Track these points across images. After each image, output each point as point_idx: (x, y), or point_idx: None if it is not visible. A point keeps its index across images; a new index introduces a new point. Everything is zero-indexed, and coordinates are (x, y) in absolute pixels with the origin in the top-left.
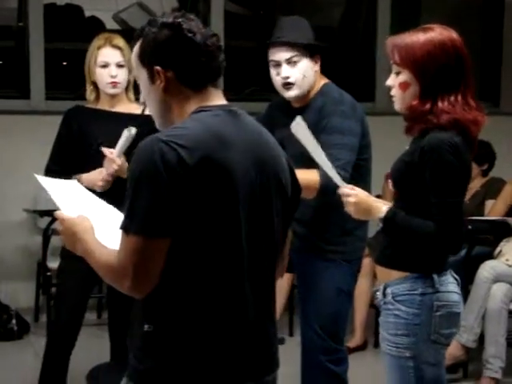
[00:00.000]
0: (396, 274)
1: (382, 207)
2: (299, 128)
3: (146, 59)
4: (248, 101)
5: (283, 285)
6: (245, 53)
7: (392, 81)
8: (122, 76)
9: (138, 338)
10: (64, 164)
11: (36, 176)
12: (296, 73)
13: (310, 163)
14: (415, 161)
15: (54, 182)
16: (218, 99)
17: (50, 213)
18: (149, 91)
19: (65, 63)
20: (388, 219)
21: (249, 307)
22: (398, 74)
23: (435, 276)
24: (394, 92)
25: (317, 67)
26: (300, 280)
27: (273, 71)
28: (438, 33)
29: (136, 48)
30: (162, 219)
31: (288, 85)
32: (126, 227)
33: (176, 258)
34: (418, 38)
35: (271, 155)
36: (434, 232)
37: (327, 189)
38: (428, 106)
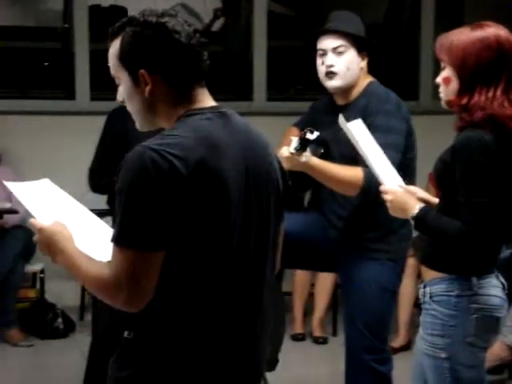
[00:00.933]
0: (436, 274)
1: (416, 205)
2: (354, 125)
3: (128, 62)
4: (293, 100)
5: (327, 284)
6: (289, 53)
7: (440, 77)
8: None
9: (119, 346)
10: (108, 164)
11: (5, 183)
12: (341, 63)
13: (355, 163)
14: (448, 160)
15: (27, 186)
16: (206, 100)
17: (95, 212)
18: (132, 94)
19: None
20: (419, 218)
21: (236, 318)
22: (443, 69)
23: (474, 278)
24: (440, 88)
25: (363, 64)
26: (343, 279)
27: (318, 60)
28: (483, 29)
29: (114, 47)
30: (155, 232)
31: (331, 74)
32: (118, 240)
33: (169, 270)
34: (462, 34)
35: (262, 155)
36: (461, 233)
37: (370, 187)
38: (465, 100)
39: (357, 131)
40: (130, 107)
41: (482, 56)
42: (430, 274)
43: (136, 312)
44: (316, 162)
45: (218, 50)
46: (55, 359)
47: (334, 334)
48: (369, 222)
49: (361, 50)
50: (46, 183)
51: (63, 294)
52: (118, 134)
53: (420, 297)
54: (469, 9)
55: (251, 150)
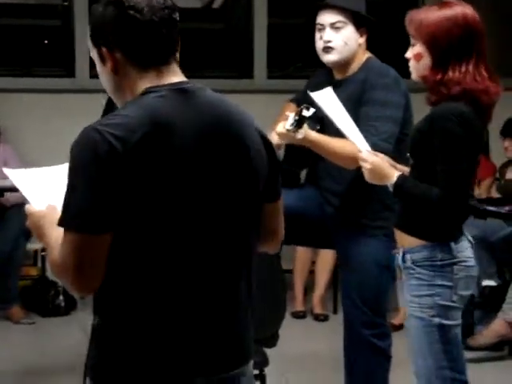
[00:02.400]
0: (414, 241)
1: (394, 174)
2: (326, 97)
3: (93, 39)
4: (293, 78)
5: (328, 261)
6: (289, 30)
7: (409, 53)
8: None
9: (92, 331)
10: None
11: (4, 170)
12: (338, 38)
13: None
14: (425, 129)
15: (27, 172)
16: (170, 77)
17: None
18: (101, 72)
19: None
20: (397, 186)
21: (202, 299)
22: (413, 46)
23: (452, 244)
24: (410, 63)
25: (361, 40)
26: (341, 255)
27: (317, 35)
28: (451, 8)
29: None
30: (97, 214)
31: (328, 48)
32: (61, 223)
33: (120, 252)
34: (432, 12)
35: (230, 134)
36: (438, 198)
37: None
38: (439, 76)
39: (326, 101)
40: (103, 85)
41: (453, 33)
42: (407, 241)
43: (98, 296)
44: (313, 136)
45: (218, 28)
46: (56, 337)
47: (335, 311)
48: (364, 198)
49: (359, 26)
50: (55, 168)
51: None
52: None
53: (399, 262)
54: None
55: (214, 127)
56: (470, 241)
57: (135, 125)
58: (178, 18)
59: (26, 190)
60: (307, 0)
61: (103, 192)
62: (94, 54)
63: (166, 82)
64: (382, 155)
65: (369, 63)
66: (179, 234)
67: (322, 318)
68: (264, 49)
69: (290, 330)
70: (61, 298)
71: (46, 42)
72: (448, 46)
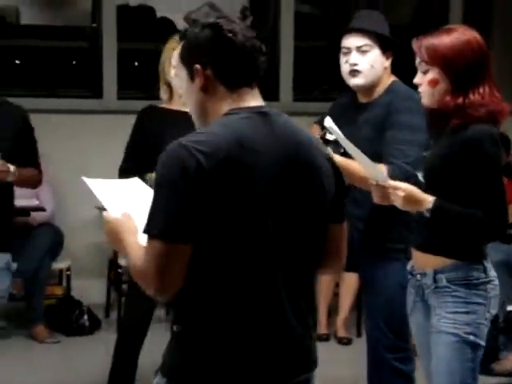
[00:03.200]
0: (443, 260)
1: (429, 198)
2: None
3: (186, 58)
4: (318, 100)
5: (352, 284)
6: (315, 53)
7: (420, 79)
8: None
9: (171, 338)
10: (138, 163)
11: (83, 179)
12: (364, 62)
13: (377, 161)
14: (454, 153)
15: (105, 182)
16: (252, 100)
17: None
18: (188, 90)
19: (137, 63)
20: (436, 209)
21: (277, 309)
22: (425, 72)
23: (485, 262)
24: (422, 89)
25: (387, 63)
26: (364, 278)
27: (342, 59)
28: (461, 32)
29: (179, 49)
30: (180, 225)
31: (354, 72)
32: (147, 231)
33: (202, 261)
34: (444, 37)
35: (304, 156)
36: (484, 219)
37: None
38: (461, 99)
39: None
40: (189, 106)
41: (469, 57)
42: (433, 261)
43: (179, 304)
44: (338, 159)
45: None
46: (81, 356)
47: (359, 334)
48: (388, 221)
49: (385, 50)
50: (134, 181)
51: (89, 292)
52: (147, 132)
53: (426, 281)
54: (498, 11)
55: (291, 150)
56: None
57: (221, 143)
58: (264, 50)
59: (103, 198)
60: (332, 23)
61: (188, 204)
62: (182, 73)
63: (248, 105)
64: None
65: (394, 86)
66: (253, 247)
67: (345, 342)
68: (290, 71)
69: None
70: (85, 317)
71: (74, 62)
72: (465, 69)
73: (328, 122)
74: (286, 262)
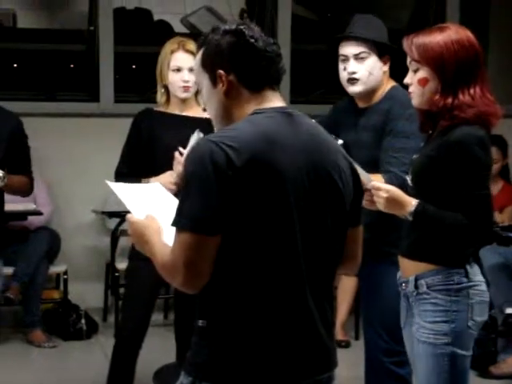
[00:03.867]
0: (425, 266)
1: (412, 201)
2: None
3: (209, 64)
4: (315, 103)
5: (349, 287)
6: (312, 56)
7: (410, 78)
8: (193, 80)
9: (194, 334)
10: (134, 166)
11: (107, 182)
12: (362, 69)
13: (376, 167)
14: (441, 156)
15: (128, 186)
16: (275, 101)
17: (118, 214)
18: (210, 95)
19: (134, 66)
20: (418, 212)
21: (302, 306)
22: (415, 71)
23: (468, 267)
24: (412, 89)
25: (385, 68)
26: (363, 283)
27: (340, 66)
28: (454, 31)
29: (199, 55)
30: (210, 217)
31: (353, 80)
32: (175, 223)
33: (228, 256)
34: (435, 36)
35: (326, 157)
36: (467, 224)
37: None
38: (450, 99)
39: None
40: (209, 110)
41: (460, 56)
42: (417, 268)
43: (204, 299)
44: None
45: None
46: (78, 360)
47: (357, 337)
48: (388, 226)
49: (382, 55)
50: (155, 186)
51: (86, 296)
52: (143, 136)
53: (409, 289)
54: (494, 16)
55: (314, 151)
56: (479, 266)
57: (249, 139)
58: (280, 52)
59: (126, 201)
60: (330, 26)
61: (217, 197)
62: (204, 79)
63: (271, 106)
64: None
65: (393, 92)
66: (280, 241)
67: (343, 345)
68: (287, 74)
69: None
70: (82, 321)
71: (71, 66)
72: (456, 69)
73: None
74: (310, 260)
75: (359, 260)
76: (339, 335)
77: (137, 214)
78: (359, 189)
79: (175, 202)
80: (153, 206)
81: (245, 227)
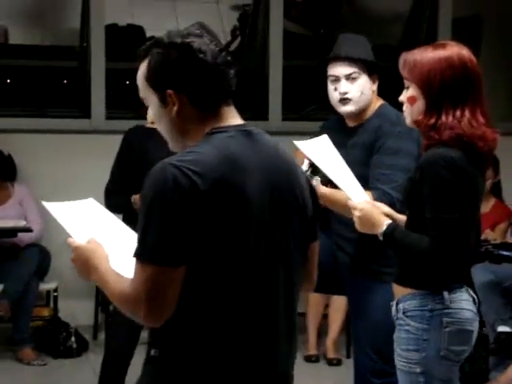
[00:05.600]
0: (407, 290)
1: (384, 222)
2: (318, 145)
3: (155, 82)
4: (308, 120)
5: (341, 305)
6: (304, 72)
7: (403, 96)
8: None
9: (146, 362)
10: (124, 184)
11: (43, 203)
12: (354, 89)
13: (366, 184)
14: (416, 178)
15: (65, 205)
16: (232, 118)
17: None
18: (161, 115)
19: (127, 82)
20: (387, 234)
21: (261, 332)
22: (407, 88)
23: (445, 293)
24: (404, 107)
25: (374, 87)
26: (352, 301)
27: (331, 86)
28: (446, 49)
29: (142, 69)
30: (174, 248)
31: (345, 100)
32: (138, 255)
33: (190, 285)
34: (426, 53)
35: (287, 175)
36: (428, 248)
37: None
38: (433, 120)
39: (316, 149)
40: (159, 128)
41: (447, 75)
42: (400, 291)
43: (159, 328)
44: (324, 190)
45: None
46: (68, 378)
47: (348, 355)
48: (377, 244)
49: (371, 73)
50: (89, 202)
51: (77, 313)
52: (134, 153)
53: (393, 313)
54: (486, 33)
55: (276, 169)
56: (471, 295)
57: (212, 162)
58: (232, 60)
59: (66, 223)
60: (323, 42)
61: (181, 226)
62: (152, 97)
63: (229, 123)
64: (379, 204)
65: (382, 110)
66: (246, 269)
67: (335, 363)
68: (279, 90)
69: (302, 374)
70: (72, 339)
71: (64, 82)
72: (441, 88)
73: (301, 145)
74: (277, 284)
75: (315, 277)
76: (330, 353)
77: (78, 237)
78: (317, 205)
79: (111, 217)
80: (91, 225)
81: (210, 255)
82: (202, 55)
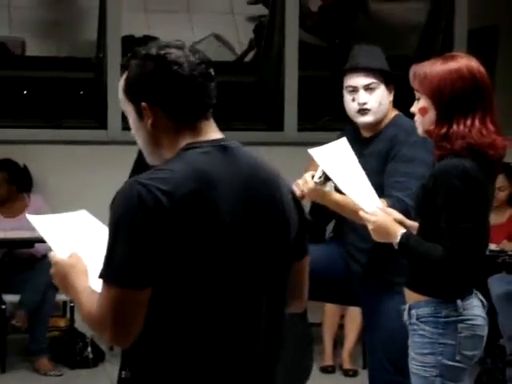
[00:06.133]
0: (420, 297)
1: (399, 231)
2: (334, 151)
3: (131, 95)
4: (323, 130)
5: (357, 315)
6: (320, 83)
7: (415, 107)
8: None
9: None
10: None
11: (27, 216)
12: (373, 100)
13: (382, 193)
14: (429, 186)
15: (53, 218)
16: (210, 132)
17: None
18: (138, 127)
19: None
20: (401, 244)
21: (239, 352)
22: (418, 100)
23: (459, 301)
24: (416, 118)
25: (391, 97)
26: (365, 312)
27: (348, 97)
28: (456, 61)
29: (122, 81)
30: (139, 270)
31: (364, 111)
32: (102, 276)
33: (159, 306)
34: (436, 65)
35: (267, 190)
36: (443, 257)
37: None
38: (444, 130)
39: (329, 154)
40: (138, 141)
41: (457, 86)
42: (413, 297)
43: (129, 349)
44: (335, 197)
45: (250, 81)
46: None
47: (364, 366)
48: (389, 254)
49: (388, 84)
50: (81, 214)
51: None
52: (150, 165)
53: (405, 318)
54: (502, 44)
55: (254, 184)
56: (481, 300)
57: (181, 180)
58: (213, 73)
59: (48, 237)
60: (338, 53)
61: (147, 247)
62: (130, 110)
63: (206, 138)
64: (391, 211)
65: (397, 120)
66: (215, 289)
67: (351, 374)
68: (295, 101)
69: None
70: (89, 349)
71: (81, 93)
72: (452, 98)
73: (314, 153)
74: (250, 302)
75: (305, 294)
76: (346, 364)
77: (60, 252)
78: (303, 220)
79: (102, 229)
80: (80, 239)
81: (179, 276)
82: (176, 67)
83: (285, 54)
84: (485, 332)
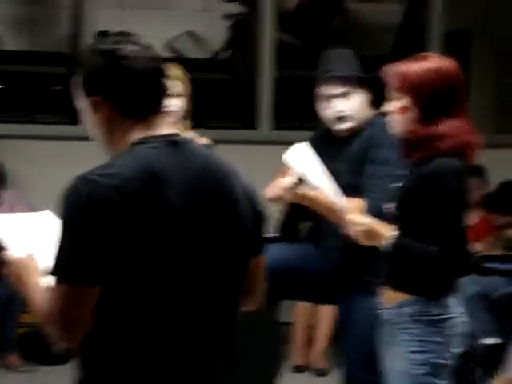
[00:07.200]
0: (403, 296)
1: (387, 232)
2: (299, 153)
3: (85, 88)
4: (300, 129)
5: (328, 315)
6: (296, 81)
7: (389, 107)
8: (177, 105)
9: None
10: None
11: None
12: (349, 106)
13: (355, 192)
14: (417, 187)
15: (14, 217)
16: (161, 128)
17: None
18: (92, 121)
19: None
20: (395, 245)
21: (190, 351)
22: (395, 100)
23: (445, 299)
24: (391, 117)
25: (368, 98)
26: (341, 312)
27: (323, 104)
28: (432, 60)
29: (76, 76)
30: (88, 266)
31: (341, 118)
32: (53, 273)
33: (110, 303)
34: (413, 65)
35: (219, 186)
36: (438, 257)
37: (374, 217)
38: (429, 129)
39: (297, 157)
40: (91, 134)
41: (437, 86)
42: (397, 297)
43: (83, 350)
44: (311, 194)
45: (224, 78)
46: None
47: (336, 365)
48: (367, 254)
49: (363, 86)
50: (45, 215)
51: None
52: None
53: (390, 317)
54: (475, 47)
55: (204, 180)
56: (457, 299)
57: (130, 175)
58: (164, 69)
59: (5, 236)
60: (314, 52)
61: (95, 243)
62: (84, 103)
63: (158, 133)
64: (344, 203)
65: (374, 120)
66: (166, 286)
67: (321, 373)
68: (269, 99)
69: None
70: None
71: (56, 88)
72: (433, 98)
73: (289, 157)
74: (203, 299)
75: (259, 293)
76: (318, 363)
77: (16, 252)
78: (259, 216)
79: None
80: (40, 240)
81: (129, 272)
82: (126, 61)
83: (260, 52)
84: (467, 329)
